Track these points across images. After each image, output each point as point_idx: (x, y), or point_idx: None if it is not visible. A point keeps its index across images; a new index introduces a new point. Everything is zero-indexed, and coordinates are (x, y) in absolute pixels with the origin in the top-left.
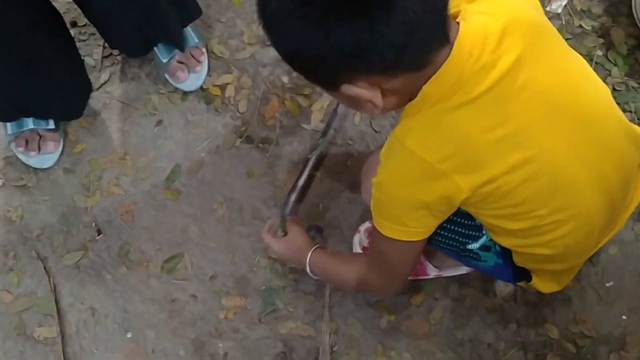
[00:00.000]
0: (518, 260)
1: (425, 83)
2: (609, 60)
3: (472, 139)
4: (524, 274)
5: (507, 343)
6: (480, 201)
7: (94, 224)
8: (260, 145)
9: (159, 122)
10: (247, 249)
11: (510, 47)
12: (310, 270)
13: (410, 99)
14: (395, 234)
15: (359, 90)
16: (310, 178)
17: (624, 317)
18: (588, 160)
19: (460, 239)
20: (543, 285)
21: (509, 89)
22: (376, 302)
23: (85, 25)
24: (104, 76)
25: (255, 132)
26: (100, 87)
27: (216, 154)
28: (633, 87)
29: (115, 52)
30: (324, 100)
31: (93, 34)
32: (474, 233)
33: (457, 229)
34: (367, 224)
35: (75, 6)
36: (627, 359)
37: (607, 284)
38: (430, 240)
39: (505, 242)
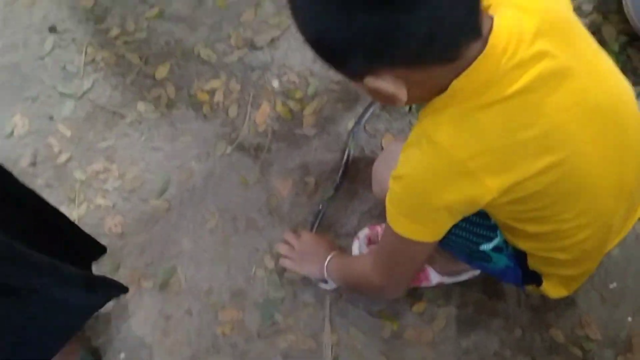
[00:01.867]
0: (532, 264)
1: (455, 77)
2: None
3: (504, 138)
4: (534, 278)
5: (512, 350)
6: (505, 203)
7: None
8: (252, 151)
9: (147, 131)
10: (242, 260)
11: (545, 46)
12: (328, 275)
13: (439, 93)
14: (410, 232)
15: (383, 83)
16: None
17: (629, 318)
18: (614, 165)
19: (474, 239)
20: (552, 290)
21: (543, 89)
22: (378, 311)
23: (65, 31)
24: (86, 83)
25: (246, 139)
26: (83, 94)
27: (207, 162)
28: None
29: (98, 57)
30: (315, 104)
31: (74, 40)
32: (488, 234)
33: (472, 229)
34: (366, 230)
35: (56, 10)
36: None
37: (611, 286)
38: (442, 239)
39: (522, 244)
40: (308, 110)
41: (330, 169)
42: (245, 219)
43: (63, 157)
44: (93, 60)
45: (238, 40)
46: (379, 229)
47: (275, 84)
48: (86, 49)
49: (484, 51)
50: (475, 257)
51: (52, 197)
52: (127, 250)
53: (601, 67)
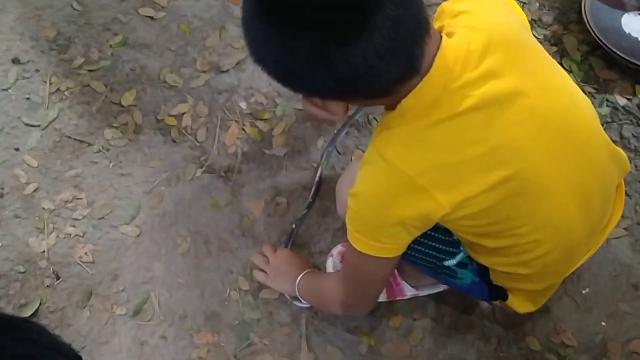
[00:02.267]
0: (495, 279)
1: (404, 97)
2: (564, 68)
3: (454, 154)
4: (499, 293)
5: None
6: (459, 218)
7: (51, 269)
8: (223, 174)
9: (115, 157)
10: (216, 283)
11: (493, 65)
12: (299, 292)
13: (388, 108)
14: (369, 249)
15: (314, 109)
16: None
17: (602, 323)
18: (572, 179)
19: (437, 254)
20: (519, 304)
21: (492, 107)
22: (354, 327)
23: (28, 62)
24: (52, 113)
25: (216, 161)
26: (48, 124)
27: (177, 186)
28: (589, 92)
29: (63, 87)
30: (284, 124)
31: (37, 71)
32: (451, 249)
33: (434, 244)
34: (339, 247)
35: (18, 42)
36: None
37: (584, 291)
38: (405, 255)
39: (483, 259)
40: (277, 131)
41: (301, 187)
42: (218, 241)
43: (30, 188)
44: (58, 90)
45: (204, 64)
46: None
47: (243, 105)
48: (50, 79)
49: (430, 72)
50: (440, 273)
51: (20, 228)
52: (99, 278)
53: (553, 82)
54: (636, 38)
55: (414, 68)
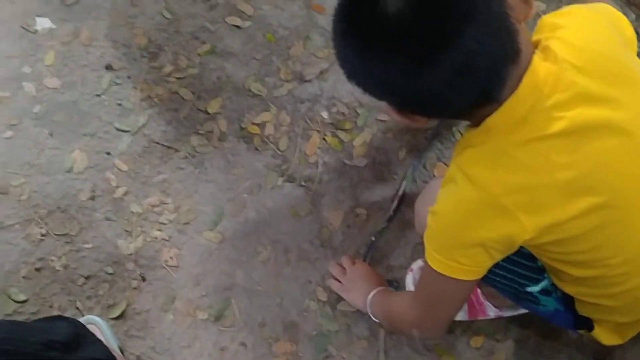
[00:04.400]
0: (580, 309)
1: (487, 116)
2: None
3: (542, 176)
4: (585, 322)
5: None
6: (545, 243)
7: (138, 271)
8: (303, 183)
9: (200, 164)
10: (295, 292)
11: (588, 85)
12: (370, 308)
13: (472, 125)
14: (446, 269)
15: (395, 116)
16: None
17: None
18: None
19: (520, 280)
20: (605, 336)
21: (585, 131)
22: (434, 345)
23: (121, 69)
24: (142, 119)
25: (297, 170)
26: (138, 130)
27: (259, 194)
28: None
29: (153, 94)
30: (365, 135)
31: (129, 77)
32: (534, 275)
33: (517, 270)
34: (419, 262)
35: (112, 49)
36: None
37: None
38: (486, 278)
39: (569, 289)
40: (358, 141)
41: (381, 199)
42: (298, 250)
43: (120, 191)
44: (148, 97)
45: (287, 74)
46: None
47: (325, 115)
48: (141, 86)
49: (518, 90)
50: (522, 298)
51: (110, 231)
52: (182, 282)
53: None
54: None
55: (490, 97)
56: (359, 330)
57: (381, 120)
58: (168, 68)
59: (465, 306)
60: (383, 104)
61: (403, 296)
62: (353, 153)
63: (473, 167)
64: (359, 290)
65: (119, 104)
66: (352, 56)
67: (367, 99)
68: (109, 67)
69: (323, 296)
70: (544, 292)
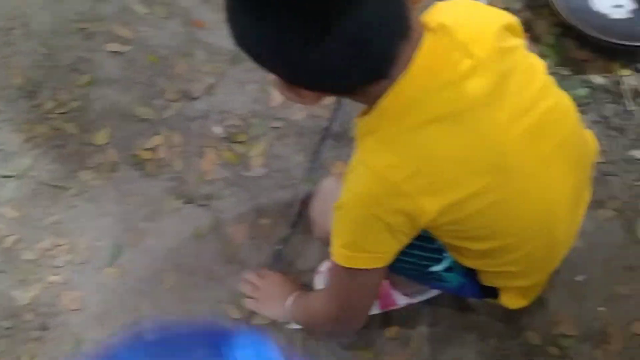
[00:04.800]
0: (484, 279)
1: (381, 94)
2: (539, 54)
3: (439, 158)
4: (490, 291)
5: (490, 359)
6: (446, 223)
7: (38, 321)
8: (203, 202)
9: (93, 199)
10: (206, 314)
11: (474, 62)
12: (290, 315)
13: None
14: (356, 262)
15: (285, 92)
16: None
17: (601, 308)
18: (564, 180)
19: (423, 262)
20: (510, 301)
21: (478, 108)
22: (350, 343)
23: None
24: (26, 161)
25: (195, 190)
26: (24, 173)
27: (157, 220)
28: (566, 74)
29: (36, 133)
30: (261, 144)
31: (9, 120)
32: (436, 255)
33: (419, 253)
34: (327, 263)
35: None
36: (612, 352)
37: (577, 278)
38: (391, 266)
39: (471, 262)
40: (254, 152)
41: (284, 206)
42: (204, 271)
43: (10, 240)
44: (31, 137)
45: (174, 93)
46: None
47: (218, 130)
48: (22, 127)
49: (408, 69)
50: (428, 279)
51: (3, 282)
52: (86, 325)
53: (536, 83)
54: (605, 15)
55: (380, 73)
56: (276, 341)
57: (275, 128)
58: (49, 104)
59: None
60: (272, 79)
61: (318, 294)
62: (250, 164)
63: (371, 155)
64: (275, 300)
65: (1, 150)
66: (245, 20)
67: (259, 107)
68: None
69: (235, 314)
70: (447, 270)
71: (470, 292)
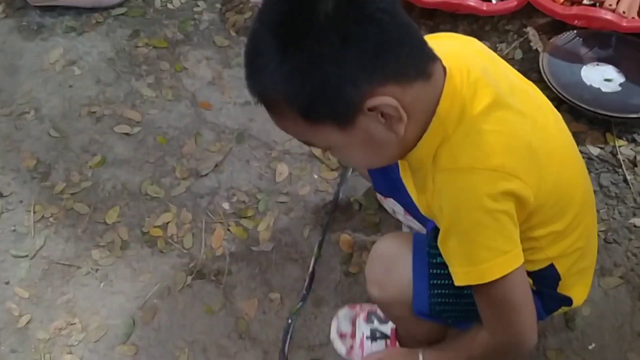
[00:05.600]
0: (562, 270)
1: (436, 103)
2: None
3: (511, 136)
4: (563, 300)
5: None
6: (540, 204)
7: None
8: (213, 277)
9: (105, 277)
10: None
11: (484, 63)
12: None
13: (424, 126)
14: (504, 267)
15: (385, 99)
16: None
17: None
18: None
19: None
20: (579, 294)
21: (510, 96)
22: None
23: (11, 194)
24: (38, 241)
25: (205, 266)
26: (36, 253)
27: (169, 297)
28: None
29: (47, 214)
30: (268, 219)
31: (21, 201)
32: None
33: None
34: (345, 309)
35: (0, 176)
36: None
37: (590, 347)
38: (440, 315)
39: (553, 251)
40: (262, 226)
41: (293, 280)
42: (216, 347)
43: (24, 320)
44: (42, 218)
45: (183, 172)
46: (358, 307)
47: (226, 206)
48: (34, 208)
49: (448, 73)
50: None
51: None
52: None
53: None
54: (598, 88)
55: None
56: None
57: (281, 202)
58: (60, 185)
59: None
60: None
61: (473, 337)
62: (259, 239)
63: (458, 159)
64: None
65: (13, 230)
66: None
67: (264, 183)
68: None
69: None
70: None
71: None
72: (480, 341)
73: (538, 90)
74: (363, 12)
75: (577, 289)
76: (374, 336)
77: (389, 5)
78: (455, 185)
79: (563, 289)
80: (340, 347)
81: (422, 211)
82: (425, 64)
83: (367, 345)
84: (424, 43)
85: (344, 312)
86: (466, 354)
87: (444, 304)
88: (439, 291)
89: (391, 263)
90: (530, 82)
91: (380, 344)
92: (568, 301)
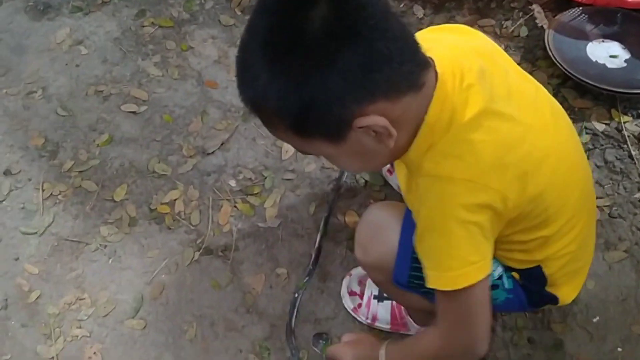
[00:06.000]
0: (549, 272)
1: (424, 112)
2: None
3: (501, 144)
4: (547, 298)
5: None
6: (525, 211)
7: None
8: (221, 253)
9: (113, 253)
10: None
11: (482, 64)
12: None
13: (413, 134)
14: (470, 277)
15: (373, 119)
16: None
17: (618, 349)
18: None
19: None
20: (568, 294)
21: (501, 101)
22: None
23: (19, 172)
24: (47, 218)
25: (212, 242)
26: (45, 230)
27: (177, 272)
28: None
29: (56, 191)
30: (274, 196)
31: (29, 179)
32: None
33: None
34: (359, 269)
35: (8, 154)
36: None
37: (594, 320)
38: (429, 296)
39: (540, 254)
40: (268, 203)
41: (299, 255)
42: (224, 322)
43: (34, 295)
44: (51, 195)
45: (190, 150)
46: None
47: (233, 183)
48: (43, 186)
49: (439, 79)
50: None
51: (27, 338)
52: None
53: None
54: (603, 64)
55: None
56: None
57: (287, 180)
58: (68, 163)
59: (389, 316)
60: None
61: (425, 336)
62: (265, 215)
63: (441, 167)
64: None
65: (22, 207)
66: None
67: (271, 161)
68: (7, 173)
69: None
70: (492, 287)
71: (517, 304)
72: (431, 340)
73: (539, 86)
74: (352, 30)
75: (565, 289)
76: (381, 297)
77: (379, 22)
78: (433, 192)
79: (550, 288)
80: (348, 303)
81: (409, 207)
82: (416, 77)
83: (373, 304)
84: (417, 51)
85: (356, 272)
86: (421, 352)
87: (421, 279)
88: (419, 265)
89: (378, 230)
90: (531, 79)
91: (386, 305)
92: (554, 299)
